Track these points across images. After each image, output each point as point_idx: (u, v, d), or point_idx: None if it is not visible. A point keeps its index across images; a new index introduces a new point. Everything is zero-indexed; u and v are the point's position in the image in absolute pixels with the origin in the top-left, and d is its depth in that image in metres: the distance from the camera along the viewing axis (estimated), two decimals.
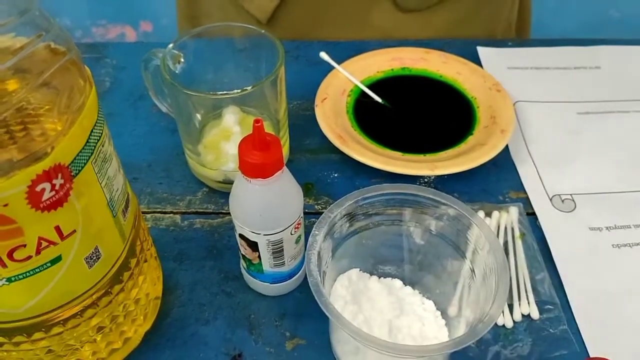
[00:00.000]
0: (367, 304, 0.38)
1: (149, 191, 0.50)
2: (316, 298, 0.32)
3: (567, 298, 0.42)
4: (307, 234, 0.35)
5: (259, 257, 0.38)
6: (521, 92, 0.58)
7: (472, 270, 0.36)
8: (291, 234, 0.37)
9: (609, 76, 0.61)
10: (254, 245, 0.37)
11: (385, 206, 0.38)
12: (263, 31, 0.45)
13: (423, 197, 0.37)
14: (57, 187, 0.26)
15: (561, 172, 0.51)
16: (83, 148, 0.27)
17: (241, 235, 0.38)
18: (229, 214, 0.48)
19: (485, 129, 0.53)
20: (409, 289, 0.40)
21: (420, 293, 0.40)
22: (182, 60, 0.45)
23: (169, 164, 0.52)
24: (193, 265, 0.44)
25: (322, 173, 0.51)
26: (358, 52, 0.60)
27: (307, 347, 0.39)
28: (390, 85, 0.58)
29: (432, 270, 0.40)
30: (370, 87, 0.57)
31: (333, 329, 0.38)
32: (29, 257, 0.27)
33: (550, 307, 0.41)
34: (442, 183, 0.50)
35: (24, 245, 0.27)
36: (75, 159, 0.27)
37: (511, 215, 0.46)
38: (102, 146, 0.30)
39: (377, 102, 0.56)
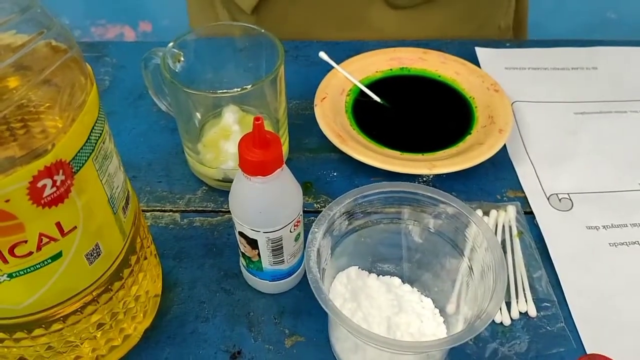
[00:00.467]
0: (366, 302, 0.38)
1: (149, 189, 0.50)
2: (315, 295, 0.32)
3: (564, 296, 0.42)
4: (307, 232, 0.36)
5: (259, 254, 0.39)
6: (519, 92, 0.59)
7: (470, 268, 0.37)
8: (290, 232, 0.38)
9: (606, 77, 0.61)
10: (253, 243, 0.38)
11: (384, 204, 0.38)
12: (263, 30, 0.45)
13: (422, 195, 0.37)
14: (58, 183, 0.26)
15: (558, 172, 0.51)
16: (84, 145, 0.28)
17: (241, 233, 0.38)
18: (228, 212, 0.48)
19: (483, 128, 0.53)
20: (407, 286, 0.40)
21: (418, 291, 0.40)
22: (182, 59, 0.45)
23: (169, 163, 0.52)
24: (192, 263, 0.44)
25: (321, 172, 0.51)
26: (357, 52, 0.60)
27: (306, 344, 0.39)
28: (389, 85, 0.58)
29: (431, 268, 0.40)
30: (369, 86, 0.57)
31: (332, 326, 0.39)
32: (30, 253, 0.27)
33: (547, 304, 0.41)
34: (441, 182, 0.50)
35: (25, 241, 0.27)
36: (76, 155, 0.27)
37: (509, 214, 0.46)
38: (103, 143, 0.30)
39: (376, 101, 0.56)
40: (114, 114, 0.56)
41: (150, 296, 0.39)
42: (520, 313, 0.41)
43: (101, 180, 0.30)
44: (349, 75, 0.57)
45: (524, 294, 0.42)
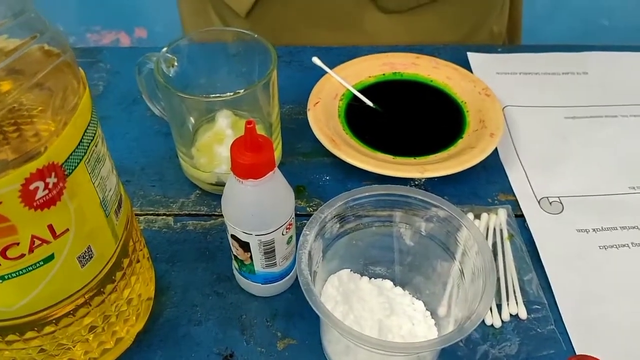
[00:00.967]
0: (358, 304, 0.39)
1: (142, 194, 0.50)
2: (307, 297, 0.32)
3: (554, 298, 0.42)
4: (299, 235, 0.36)
5: (251, 257, 0.39)
6: (510, 96, 0.59)
7: (462, 271, 0.37)
8: (283, 235, 0.38)
9: (597, 81, 0.62)
10: (245, 246, 0.38)
11: (376, 207, 0.38)
12: (256, 35, 0.46)
13: (413, 198, 0.38)
14: (50, 186, 0.27)
15: (549, 175, 0.52)
16: (76, 148, 0.28)
17: (233, 236, 0.38)
18: (221, 216, 0.48)
19: (474, 132, 0.53)
20: (399, 289, 0.41)
21: (410, 294, 0.40)
22: (176, 64, 0.45)
23: (162, 167, 0.52)
24: (185, 267, 0.44)
25: (314, 176, 0.52)
26: (350, 57, 0.61)
27: (298, 347, 0.40)
28: (382, 89, 0.59)
29: (422, 271, 0.40)
30: (362, 91, 0.58)
31: (324, 328, 0.39)
32: (22, 255, 0.27)
33: (538, 307, 0.42)
34: (432, 186, 0.50)
35: (17, 244, 0.27)
36: (68, 158, 0.27)
37: (500, 217, 0.47)
38: (96, 146, 0.30)
39: (368, 106, 0.57)
40: (108, 118, 0.57)
41: (143, 299, 0.39)
42: (510, 315, 0.41)
43: (93, 183, 0.30)
44: (342, 80, 0.58)
45: (515, 296, 0.42)
